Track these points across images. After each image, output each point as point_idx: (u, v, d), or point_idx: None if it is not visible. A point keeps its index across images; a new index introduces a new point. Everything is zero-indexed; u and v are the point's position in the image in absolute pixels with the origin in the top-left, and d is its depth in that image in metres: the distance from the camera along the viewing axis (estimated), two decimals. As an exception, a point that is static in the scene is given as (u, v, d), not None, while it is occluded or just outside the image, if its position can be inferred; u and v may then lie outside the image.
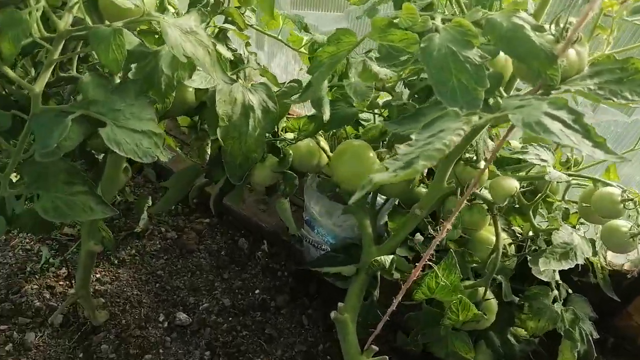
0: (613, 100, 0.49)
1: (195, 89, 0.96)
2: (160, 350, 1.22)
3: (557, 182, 0.98)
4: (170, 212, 1.60)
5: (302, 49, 1.08)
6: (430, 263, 0.75)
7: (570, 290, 0.99)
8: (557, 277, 0.97)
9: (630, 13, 0.57)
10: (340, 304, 0.85)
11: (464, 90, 0.50)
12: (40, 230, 1.00)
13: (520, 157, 0.87)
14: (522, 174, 0.92)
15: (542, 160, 0.86)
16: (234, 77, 0.89)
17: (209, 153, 1.14)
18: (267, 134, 0.85)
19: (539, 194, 0.93)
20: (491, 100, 0.53)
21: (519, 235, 1.04)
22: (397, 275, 0.88)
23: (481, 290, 0.85)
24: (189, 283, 1.38)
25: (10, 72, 0.56)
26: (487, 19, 0.52)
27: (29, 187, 0.61)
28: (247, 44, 1.04)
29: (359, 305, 0.88)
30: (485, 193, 0.89)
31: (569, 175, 0.92)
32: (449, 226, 0.64)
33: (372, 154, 0.89)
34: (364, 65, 0.62)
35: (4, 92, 0.67)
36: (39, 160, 0.60)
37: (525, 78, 0.56)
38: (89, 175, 0.96)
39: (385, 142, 0.98)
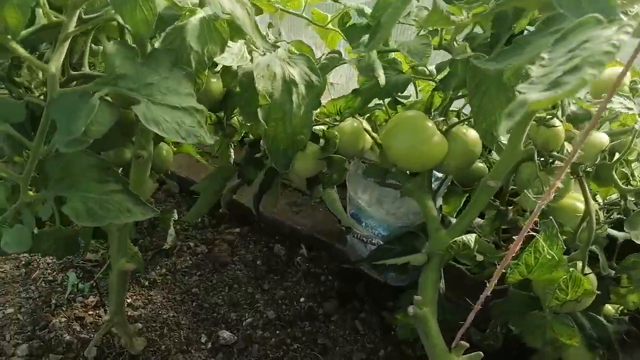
0: None
1: (222, 77, 0.87)
2: (207, 374, 1.11)
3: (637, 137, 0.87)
4: (196, 226, 1.49)
5: (330, 25, 0.98)
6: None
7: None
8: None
9: None
10: (416, 297, 0.73)
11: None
12: (65, 252, 0.89)
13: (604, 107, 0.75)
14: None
15: (628, 108, 0.75)
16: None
17: (235, 153, 1.05)
18: (312, 111, 0.75)
19: (621, 151, 0.82)
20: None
21: (596, 201, 0.92)
22: (480, 257, 0.77)
23: (579, 264, 0.73)
24: (227, 298, 1.27)
25: (20, 49, 0.46)
26: None
27: (54, 188, 0.51)
28: (270, 25, 0.94)
29: (436, 297, 0.76)
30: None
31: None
32: (551, 196, 0.52)
33: (430, 123, 0.78)
34: (435, 5, 0.52)
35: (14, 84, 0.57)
36: (63, 153, 0.50)
37: None
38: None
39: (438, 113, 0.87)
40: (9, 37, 0.45)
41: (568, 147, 0.77)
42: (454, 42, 0.71)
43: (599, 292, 0.81)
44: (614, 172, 0.82)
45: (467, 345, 0.70)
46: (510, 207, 0.89)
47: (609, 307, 0.94)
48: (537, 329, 0.73)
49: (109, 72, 0.49)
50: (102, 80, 0.48)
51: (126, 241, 0.92)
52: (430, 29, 0.73)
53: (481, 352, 0.69)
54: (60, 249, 0.88)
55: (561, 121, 0.83)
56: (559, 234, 0.64)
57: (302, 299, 1.26)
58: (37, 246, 0.87)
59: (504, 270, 0.61)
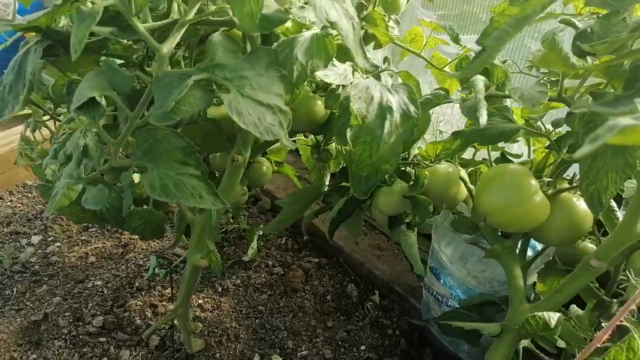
0: None
1: (325, 101, 0.89)
2: (250, 395, 1.09)
3: None
4: (279, 247, 1.51)
5: (447, 69, 0.96)
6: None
7: None
8: None
9: None
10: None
11: None
12: (151, 234, 0.96)
13: None
14: None
15: None
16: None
17: (327, 175, 1.04)
18: (404, 145, 0.72)
19: None
20: None
21: None
22: (561, 344, 0.66)
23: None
24: (289, 324, 1.25)
25: (140, 27, 0.51)
26: None
27: (141, 158, 0.55)
28: (385, 59, 0.95)
29: (504, 376, 0.66)
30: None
31: None
32: None
33: (533, 181, 0.71)
34: (553, 42, 0.47)
35: (127, 59, 0.64)
36: (154, 128, 0.53)
37: None
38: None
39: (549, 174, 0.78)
40: (133, 13, 0.50)
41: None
42: (574, 97, 0.64)
43: None
44: None
45: None
46: (615, 300, 0.76)
47: None
48: None
49: (209, 59, 0.52)
50: (201, 65, 0.52)
51: (205, 239, 0.95)
52: (551, 78, 0.67)
53: None
54: (147, 231, 0.94)
55: None
56: (668, 336, 0.52)
57: (362, 347, 1.19)
58: (128, 223, 0.94)
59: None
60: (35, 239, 1.47)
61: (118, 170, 0.76)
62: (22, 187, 1.66)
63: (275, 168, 1.41)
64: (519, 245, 0.81)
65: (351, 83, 0.69)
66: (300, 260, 1.46)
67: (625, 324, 0.51)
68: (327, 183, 1.15)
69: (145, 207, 0.97)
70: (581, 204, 0.74)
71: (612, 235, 0.65)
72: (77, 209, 1.02)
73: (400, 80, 0.79)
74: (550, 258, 0.93)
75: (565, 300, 0.69)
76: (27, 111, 1.17)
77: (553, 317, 0.61)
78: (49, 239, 1.49)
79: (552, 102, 0.82)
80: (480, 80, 0.69)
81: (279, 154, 1.37)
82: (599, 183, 0.55)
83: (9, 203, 1.59)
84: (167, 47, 0.52)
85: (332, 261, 1.45)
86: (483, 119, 0.62)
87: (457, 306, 0.95)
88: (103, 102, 0.56)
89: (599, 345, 0.60)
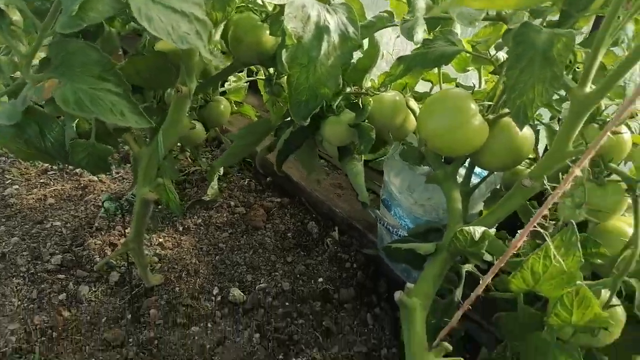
0: None
1: (270, 27, 0.86)
2: (209, 325, 1.11)
3: None
4: (242, 188, 1.51)
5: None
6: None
7: None
8: None
9: None
10: (409, 285, 0.67)
11: None
12: (96, 168, 0.94)
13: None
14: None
15: None
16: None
17: (284, 109, 1.03)
18: (343, 69, 0.70)
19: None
20: None
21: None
22: (489, 257, 0.68)
23: (604, 294, 0.62)
24: (249, 260, 1.27)
25: None
26: None
27: (54, 71, 0.52)
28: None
29: (433, 291, 0.68)
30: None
31: None
32: (560, 192, 0.44)
33: (473, 105, 0.71)
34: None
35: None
36: (68, 40, 0.51)
37: None
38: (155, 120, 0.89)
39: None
40: None
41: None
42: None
43: (632, 337, 0.69)
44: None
45: (450, 348, 0.62)
46: (551, 222, 0.78)
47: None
48: (538, 354, 0.62)
49: (119, -37, 0.49)
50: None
51: (153, 172, 0.94)
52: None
53: (462, 359, 0.61)
54: (91, 164, 0.92)
55: (632, 131, 0.71)
56: (578, 244, 0.54)
57: (320, 279, 1.22)
58: (72, 155, 0.92)
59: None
60: (-9, 182, 1.45)
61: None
62: (-25, 129, 1.61)
63: (235, 108, 1.39)
64: (462, 172, 0.82)
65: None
66: (262, 200, 1.46)
67: (542, 231, 0.52)
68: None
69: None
70: (524, 130, 0.74)
71: (546, 155, 0.66)
72: (22, 145, 0.99)
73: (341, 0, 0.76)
74: (497, 187, 0.95)
75: (499, 219, 0.71)
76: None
77: (478, 230, 0.63)
78: (7, 182, 1.46)
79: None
80: (421, 0, 0.67)
81: (238, 93, 1.35)
82: (525, 96, 0.55)
83: (-38, 145, 1.55)
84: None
85: (294, 200, 1.46)
86: (418, 36, 0.61)
87: (405, 235, 0.97)
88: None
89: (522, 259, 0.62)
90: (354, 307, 1.16)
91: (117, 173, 1.55)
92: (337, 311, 1.15)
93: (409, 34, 0.66)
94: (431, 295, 0.69)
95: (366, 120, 0.83)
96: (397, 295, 0.65)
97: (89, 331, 1.10)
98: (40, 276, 1.20)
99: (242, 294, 1.17)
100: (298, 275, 1.23)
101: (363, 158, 0.92)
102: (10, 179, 1.48)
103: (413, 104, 0.89)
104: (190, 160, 1.56)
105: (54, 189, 1.45)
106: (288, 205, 1.44)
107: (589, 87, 0.57)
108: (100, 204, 1.41)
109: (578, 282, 0.55)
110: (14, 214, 1.37)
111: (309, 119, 0.73)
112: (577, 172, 0.43)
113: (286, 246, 1.32)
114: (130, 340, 1.08)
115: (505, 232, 0.81)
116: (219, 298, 1.17)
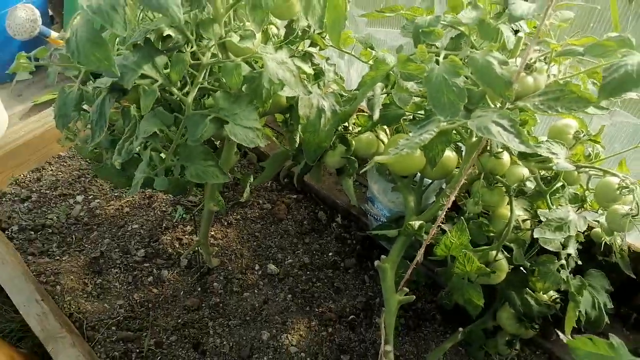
0: (547, 112, 0.73)
1: (287, 99, 1.31)
2: (255, 291, 1.61)
3: (578, 172, 1.18)
4: (266, 188, 1.99)
5: (370, 62, 1.38)
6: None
7: (579, 262, 1.18)
8: (571, 251, 1.17)
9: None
10: (382, 257, 1.15)
11: (450, 104, 0.77)
12: (179, 192, 1.42)
13: (537, 151, 1.09)
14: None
15: (553, 153, 1.08)
16: (316, 85, 1.22)
17: (297, 142, 1.49)
18: (335, 129, 1.16)
19: (556, 182, 1.15)
20: (474, 112, 0.80)
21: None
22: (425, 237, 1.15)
23: (493, 252, 1.10)
24: (278, 243, 1.75)
25: (175, 91, 0.94)
26: (470, 56, 0.79)
27: (182, 160, 1.00)
28: (327, 59, 1.36)
29: (397, 259, 1.16)
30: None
31: (581, 166, 1.12)
32: (452, 196, 0.91)
33: (414, 145, 1.17)
34: (398, 83, 0.91)
35: (165, 101, 1.06)
36: (189, 144, 0.98)
37: (492, 97, 0.81)
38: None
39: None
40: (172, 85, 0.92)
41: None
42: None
43: (517, 278, 1.17)
44: (547, 196, 1.16)
45: (407, 290, 1.11)
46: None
47: (542, 294, 1.27)
48: (459, 290, 1.11)
49: (215, 104, 0.95)
50: (212, 110, 0.95)
51: (215, 192, 1.42)
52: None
53: (414, 296, 1.10)
54: (178, 191, 1.40)
55: (511, 155, 1.17)
56: (466, 228, 1.01)
57: (330, 254, 1.71)
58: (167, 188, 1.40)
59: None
60: (79, 198, 1.93)
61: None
62: (58, 158, 2.08)
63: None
64: (418, 181, 1.29)
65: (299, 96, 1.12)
66: (283, 197, 1.94)
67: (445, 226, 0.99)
68: (297, 141, 1.60)
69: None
70: (447, 153, 1.20)
71: (456, 175, 1.12)
72: (125, 180, 1.46)
73: (335, 87, 1.22)
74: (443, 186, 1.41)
75: (434, 213, 1.18)
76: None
77: (417, 223, 1.10)
78: (90, 197, 1.94)
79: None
80: (377, 87, 1.13)
81: (260, 121, 1.80)
82: (434, 151, 1.01)
83: (51, 172, 2.02)
84: (191, 98, 0.95)
85: (307, 196, 1.93)
86: (375, 115, 1.07)
87: (385, 221, 1.44)
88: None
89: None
90: (356, 271, 1.66)
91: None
92: (344, 275, 1.65)
93: (371, 109, 1.11)
94: (397, 261, 1.17)
95: (352, 152, 1.30)
96: (376, 262, 1.13)
97: (173, 301, 1.60)
98: (132, 265, 1.69)
99: (276, 267, 1.66)
100: (314, 252, 1.72)
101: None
102: (92, 194, 1.96)
103: (383, 136, 1.35)
104: (224, 170, 2.02)
105: (127, 200, 1.93)
106: (302, 200, 1.92)
107: (475, 137, 1.03)
108: (164, 209, 1.90)
109: (468, 249, 1.02)
110: (102, 221, 1.85)
111: (316, 159, 1.20)
112: (463, 180, 0.89)
113: (304, 231, 1.80)
114: (203, 305, 1.58)
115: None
116: (260, 272, 1.66)
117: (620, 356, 0.56)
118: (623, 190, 1.04)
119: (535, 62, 0.79)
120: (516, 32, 0.95)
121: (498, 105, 0.81)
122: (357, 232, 1.77)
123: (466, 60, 0.79)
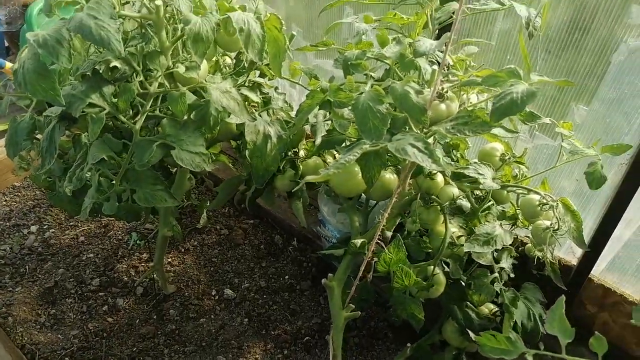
0: (457, 135, 0.81)
1: (236, 126, 1.37)
2: (212, 316, 1.63)
3: (507, 191, 1.28)
4: (224, 214, 2.02)
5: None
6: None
7: (513, 275, 1.26)
8: (504, 265, 1.25)
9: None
10: (330, 275, 1.20)
11: (375, 129, 0.85)
12: (132, 218, 1.44)
13: (465, 172, 1.18)
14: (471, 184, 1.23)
15: (479, 173, 1.17)
16: (265, 112, 1.29)
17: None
18: (284, 154, 1.23)
19: (485, 201, 1.24)
20: (396, 136, 0.87)
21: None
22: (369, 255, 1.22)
23: (431, 267, 1.17)
24: (235, 268, 1.78)
25: (122, 118, 0.99)
26: (391, 86, 0.87)
27: (131, 185, 1.04)
28: (276, 88, 1.44)
29: (344, 277, 1.22)
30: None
31: (507, 185, 1.22)
32: (386, 215, 0.98)
33: (357, 168, 1.24)
34: (333, 110, 0.98)
35: (115, 128, 1.11)
36: (137, 169, 1.02)
37: (413, 122, 0.90)
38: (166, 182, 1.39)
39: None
40: (120, 113, 0.97)
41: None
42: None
43: (456, 291, 1.24)
44: (478, 214, 1.24)
45: (353, 306, 1.16)
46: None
47: (483, 308, 1.34)
48: (401, 305, 1.17)
49: (162, 131, 1.01)
50: (159, 136, 1.00)
51: (169, 217, 1.45)
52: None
53: (359, 312, 1.15)
54: (130, 216, 1.42)
55: (445, 176, 1.26)
56: (403, 245, 1.08)
57: (286, 276, 1.75)
58: (118, 213, 1.42)
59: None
60: (33, 228, 1.91)
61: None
62: (12, 188, 2.06)
63: (214, 157, 1.90)
64: (364, 203, 1.36)
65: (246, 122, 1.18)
66: (240, 222, 1.98)
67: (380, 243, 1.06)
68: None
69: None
70: (387, 175, 1.28)
71: (396, 198, 1.20)
72: (76, 207, 1.48)
73: (282, 114, 1.29)
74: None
75: (376, 233, 1.25)
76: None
77: (358, 242, 1.16)
78: (45, 227, 1.93)
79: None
80: (319, 114, 1.20)
81: (215, 148, 1.86)
82: (370, 172, 1.08)
83: (4, 202, 2.01)
84: (139, 125, 1.00)
85: (263, 221, 1.98)
86: (317, 140, 1.14)
87: (335, 242, 1.50)
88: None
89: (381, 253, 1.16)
90: (311, 293, 1.70)
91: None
92: (300, 297, 1.68)
93: (314, 134, 1.18)
94: (343, 279, 1.22)
95: (300, 176, 1.36)
96: (324, 281, 1.18)
97: (128, 330, 1.59)
98: (87, 295, 1.68)
99: (233, 292, 1.69)
100: (270, 275, 1.76)
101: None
102: (47, 224, 1.95)
103: (330, 159, 1.42)
104: (183, 198, 2.05)
105: (82, 229, 1.93)
106: (259, 225, 1.96)
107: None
108: (120, 237, 1.90)
109: (405, 265, 1.09)
110: (56, 251, 1.84)
111: (264, 183, 1.26)
112: (394, 199, 0.96)
113: (260, 255, 1.84)
114: (159, 332, 1.58)
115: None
116: (216, 297, 1.68)
117: (517, 348, 0.63)
118: (543, 207, 1.14)
119: (446, 92, 0.88)
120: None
121: (420, 130, 0.90)
122: (312, 254, 1.82)
123: (388, 90, 0.87)
